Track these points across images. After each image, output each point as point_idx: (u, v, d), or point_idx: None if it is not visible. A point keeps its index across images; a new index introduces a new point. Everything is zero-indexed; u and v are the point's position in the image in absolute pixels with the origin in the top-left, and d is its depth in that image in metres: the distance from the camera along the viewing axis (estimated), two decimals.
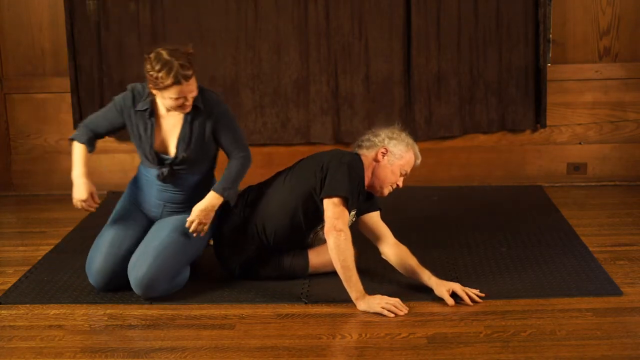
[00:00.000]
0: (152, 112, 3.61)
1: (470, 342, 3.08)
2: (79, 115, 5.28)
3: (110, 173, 5.25)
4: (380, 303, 3.35)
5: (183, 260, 3.61)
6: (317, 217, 3.59)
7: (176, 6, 5.13)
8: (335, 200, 3.44)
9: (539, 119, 5.23)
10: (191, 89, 3.47)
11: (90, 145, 3.71)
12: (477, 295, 3.45)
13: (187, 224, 3.58)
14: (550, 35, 5.14)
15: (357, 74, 5.20)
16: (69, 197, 5.44)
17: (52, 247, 4.31)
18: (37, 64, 5.32)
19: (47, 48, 5.30)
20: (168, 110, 3.58)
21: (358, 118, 5.23)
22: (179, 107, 3.51)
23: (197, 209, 3.57)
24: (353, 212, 3.64)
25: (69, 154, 5.35)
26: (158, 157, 3.63)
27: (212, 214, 3.59)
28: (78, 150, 3.69)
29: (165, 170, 3.61)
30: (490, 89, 5.20)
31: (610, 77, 5.21)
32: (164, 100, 3.52)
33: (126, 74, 5.20)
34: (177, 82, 3.40)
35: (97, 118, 3.73)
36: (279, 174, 3.79)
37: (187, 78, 3.42)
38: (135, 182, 3.80)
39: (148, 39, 5.16)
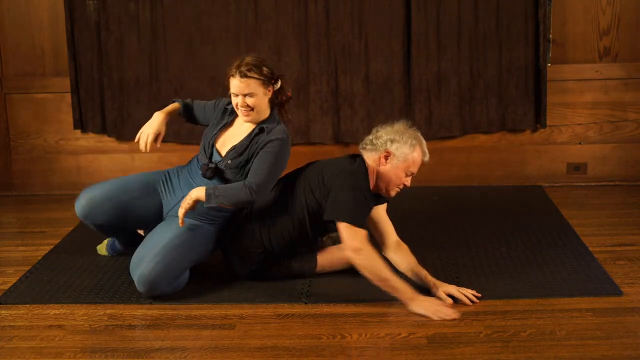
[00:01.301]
0: (233, 112, 3.73)
1: (470, 342, 3.08)
2: (79, 115, 5.29)
3: (110, 173, 5.25)
4: (431, 306, 3.32)
5: (186, 262, 3.61)
6: (325, 228, 3.63)
7: (176, 6, 5.13)
8: (343, 224, 3.42)
9: (539, 119, 5.23)
10: (245, 90, 3.57)
11: (184, 108, 3.86)
12: (475, 295, 3.46)
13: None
14: (550, 35, 5.14)
15: (357, 74, 5.20)
16: (69, 197, 5.44)
17: (52, 247, 4.31)
18: (37, 64, 5.32)
19: (47, 48, 5.30)
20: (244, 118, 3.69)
21: (358, 118, 5.23)
22: (237, 108, 3.63)
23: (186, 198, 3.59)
24: None
25: (68, 153, 5.42)
26: (212, 152, 3.71)
27: (188, 202, 3.54)
28: (172, 105, 3.87)
29: (212, 165, 3.67)
30: (490, 89, 5.20)
31: (610, 77, 5.21)
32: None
33: (126, 74, 5.21)
34: (233, 74, 3.57)
35: (200, 103, 3.92)
36: (285, 179, 3.74)
37: (243, 75, 3.55)
38: (180, 168, 3.87)
39: (148, 39, 5.17)
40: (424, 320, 3.28)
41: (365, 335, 3.18)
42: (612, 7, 5.13)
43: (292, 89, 3.82)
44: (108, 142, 5.36)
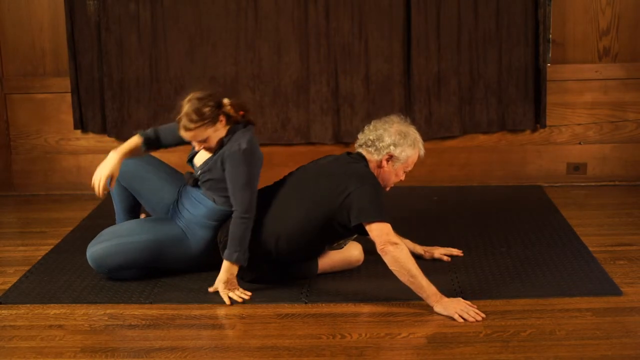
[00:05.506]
0: None
1: (470, 342, 3.09)
2: (79, 115, 5.29)
3: None
4: (455, 308, 3.30)
5: (146, 260, 3.70)
6: (335, 237, 3.62)
7: (176, 6, 5.13)
8: (374, 223, 3.40)
9: (538, 119, 5.23)
10: (195, 138, 3.56)
11: (147, 144, 3.77)
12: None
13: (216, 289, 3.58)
14: (550, 35, 5.14)
15: (357, 74, 5.20)
16: (69, 197, 5.44)
17: (52, 247, 4.31)
18: (37, 64, 5.32)
19: (47, 48, 5.30)
20: None
21: (358, 118, 5.23)
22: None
23: (220, 282, 3.54)
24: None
25: (68, 153, 5.42)
26: (192, 166, 3.77)
27: (234, 280, 3.55)
28: (132, 139, 3.81)
29: (192, 177, 3.71)
30: (490, 89, 5.20)
31: (610, 77, 5.21)
32: None
33: (126, 74, 5.21)
34: (179, 126, 3.54)
35: (168, 127, 3.80)
36: (287, 190, 3.68)
37: (187, 129, 3.51)
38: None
39: (148, 39, 5.17)
40: (424, 320, 3.28)
41: (365, 335, 3.18)
42: (612, 7, 5.13)
43: (241, 103, 3.67)
44: (108, 142, 5.35)
